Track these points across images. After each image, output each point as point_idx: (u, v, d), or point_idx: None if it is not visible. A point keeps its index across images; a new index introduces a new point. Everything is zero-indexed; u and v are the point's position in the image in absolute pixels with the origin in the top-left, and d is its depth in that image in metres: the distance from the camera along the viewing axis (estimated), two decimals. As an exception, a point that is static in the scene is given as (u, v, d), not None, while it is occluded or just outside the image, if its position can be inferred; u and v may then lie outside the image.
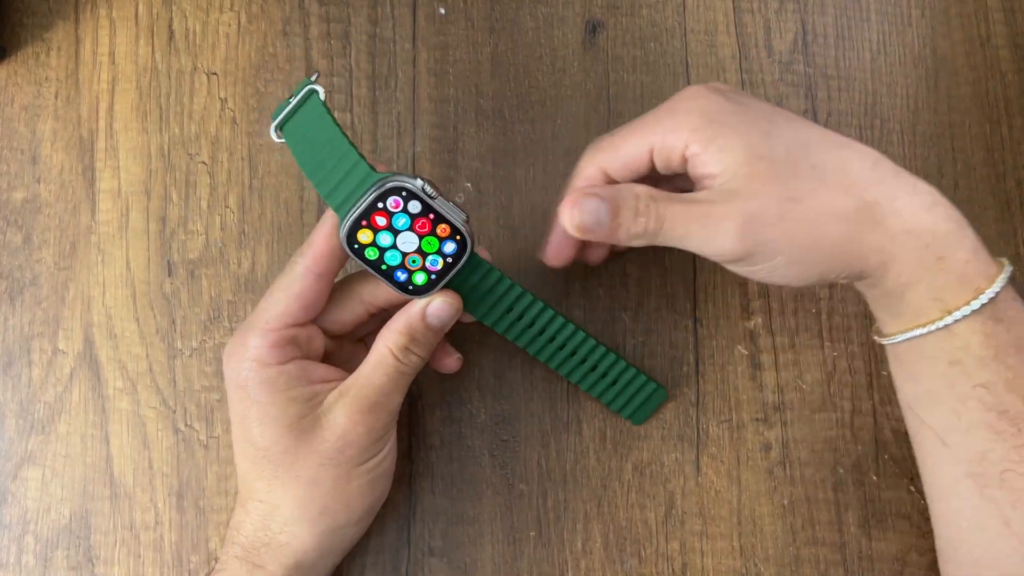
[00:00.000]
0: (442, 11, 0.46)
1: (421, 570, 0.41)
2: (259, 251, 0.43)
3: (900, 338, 0.36)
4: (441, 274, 0.35)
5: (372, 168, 0.33)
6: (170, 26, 0.45)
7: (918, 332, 0.35)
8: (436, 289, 0.35)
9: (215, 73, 0.45)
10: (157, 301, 0.43)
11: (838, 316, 0.43)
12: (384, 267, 0.35)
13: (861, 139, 0.45)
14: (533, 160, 0.45)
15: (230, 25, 0.45)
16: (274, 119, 0.35)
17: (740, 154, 0.34)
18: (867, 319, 0.43)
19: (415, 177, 0.33)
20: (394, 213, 0.33)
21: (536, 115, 0.45)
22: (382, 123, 0.45)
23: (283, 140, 0.35)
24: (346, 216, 0.33)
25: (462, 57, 0.45)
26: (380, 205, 0.33)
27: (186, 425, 0.42)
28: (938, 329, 0.34)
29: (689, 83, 0.45)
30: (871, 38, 0.46)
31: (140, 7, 0.45)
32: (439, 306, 0.36)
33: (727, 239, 0.33)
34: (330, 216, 0.35)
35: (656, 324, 0.43)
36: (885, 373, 0.43)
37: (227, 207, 0.44)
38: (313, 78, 0.35)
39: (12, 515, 0.41)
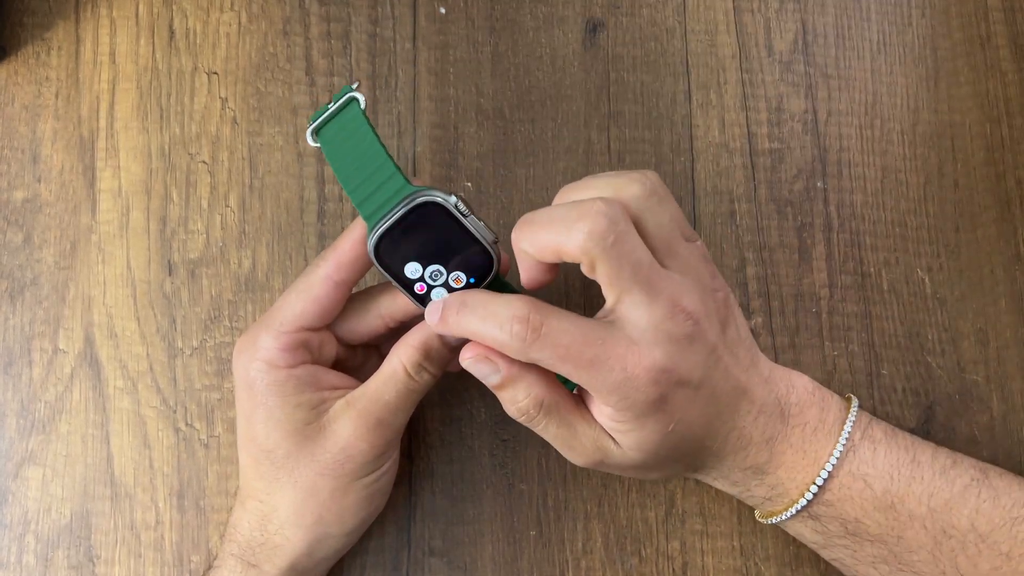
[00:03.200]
0: (442, 11, 0.46)
1: (421, 570, 0.41)
2: (259, 251, 0.43)
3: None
4: None
5: (407, 181, 0.33)
6: (170, 26, 0.45)
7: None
8: None
9: (215, 73, 0.45)
10: (157, 301, 0.43)
11: (838, 316, 0.43)
12: (406, 280, 0.34)
13: (861, 139, 0.45)
14: (533, 159, 0.45)
15: (230, 25, 0.45)
16: (311, 123, 0.35)
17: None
18: (867, 318, 0.43)
19: (450, 194, 0.33)
20: None
21: (536, 114, 0.45)
22: (382, 123, 0.45)
23: (318, 144, 0.35)
24: (376, 226, 0.33)
25: (462, 56, 0.45)
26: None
27: (187, 425, 0.42)
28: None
29: (689, 83, 0.45)
30: (871, 38, 0.46)
31: (140, 7, 0.45)
32: None
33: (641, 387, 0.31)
34: (358, 224, 0.35)
35: (656, 324, 0.43)
36: (885, 373, 0.43)
37: (227, 207, 0.44)
38: (355, 86, 0.35)
39: (13, 515, 0.41)
